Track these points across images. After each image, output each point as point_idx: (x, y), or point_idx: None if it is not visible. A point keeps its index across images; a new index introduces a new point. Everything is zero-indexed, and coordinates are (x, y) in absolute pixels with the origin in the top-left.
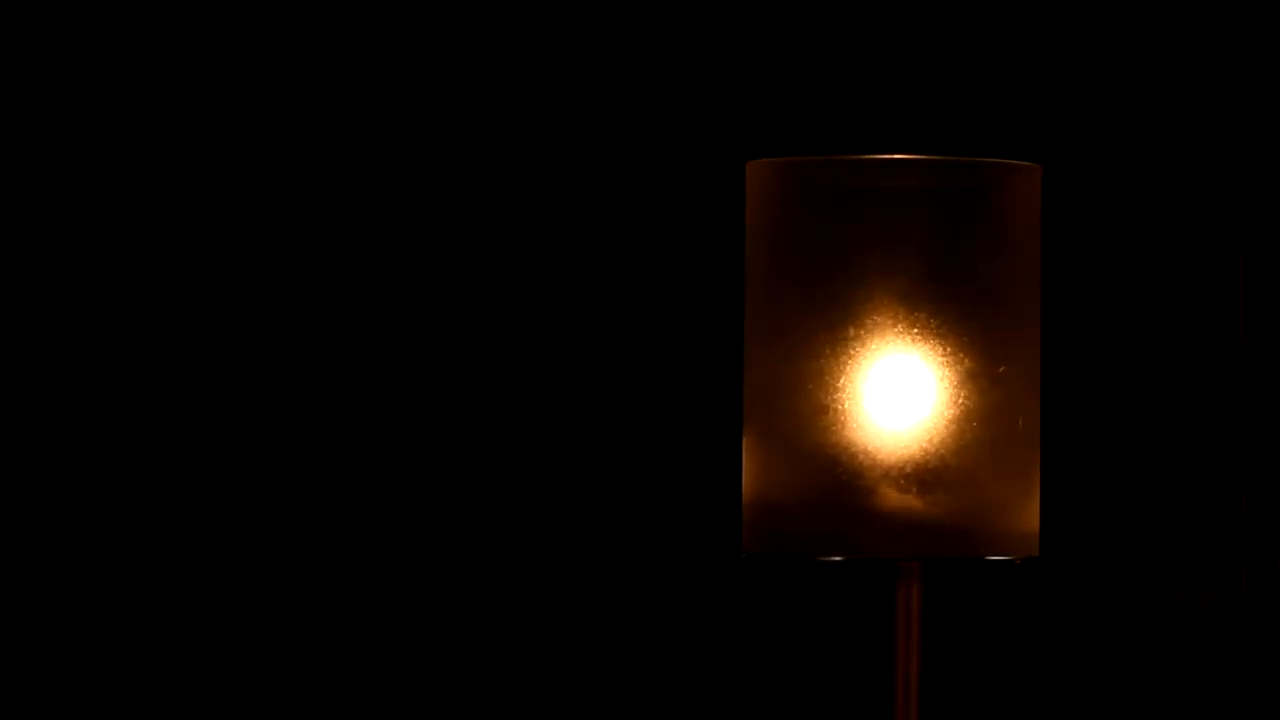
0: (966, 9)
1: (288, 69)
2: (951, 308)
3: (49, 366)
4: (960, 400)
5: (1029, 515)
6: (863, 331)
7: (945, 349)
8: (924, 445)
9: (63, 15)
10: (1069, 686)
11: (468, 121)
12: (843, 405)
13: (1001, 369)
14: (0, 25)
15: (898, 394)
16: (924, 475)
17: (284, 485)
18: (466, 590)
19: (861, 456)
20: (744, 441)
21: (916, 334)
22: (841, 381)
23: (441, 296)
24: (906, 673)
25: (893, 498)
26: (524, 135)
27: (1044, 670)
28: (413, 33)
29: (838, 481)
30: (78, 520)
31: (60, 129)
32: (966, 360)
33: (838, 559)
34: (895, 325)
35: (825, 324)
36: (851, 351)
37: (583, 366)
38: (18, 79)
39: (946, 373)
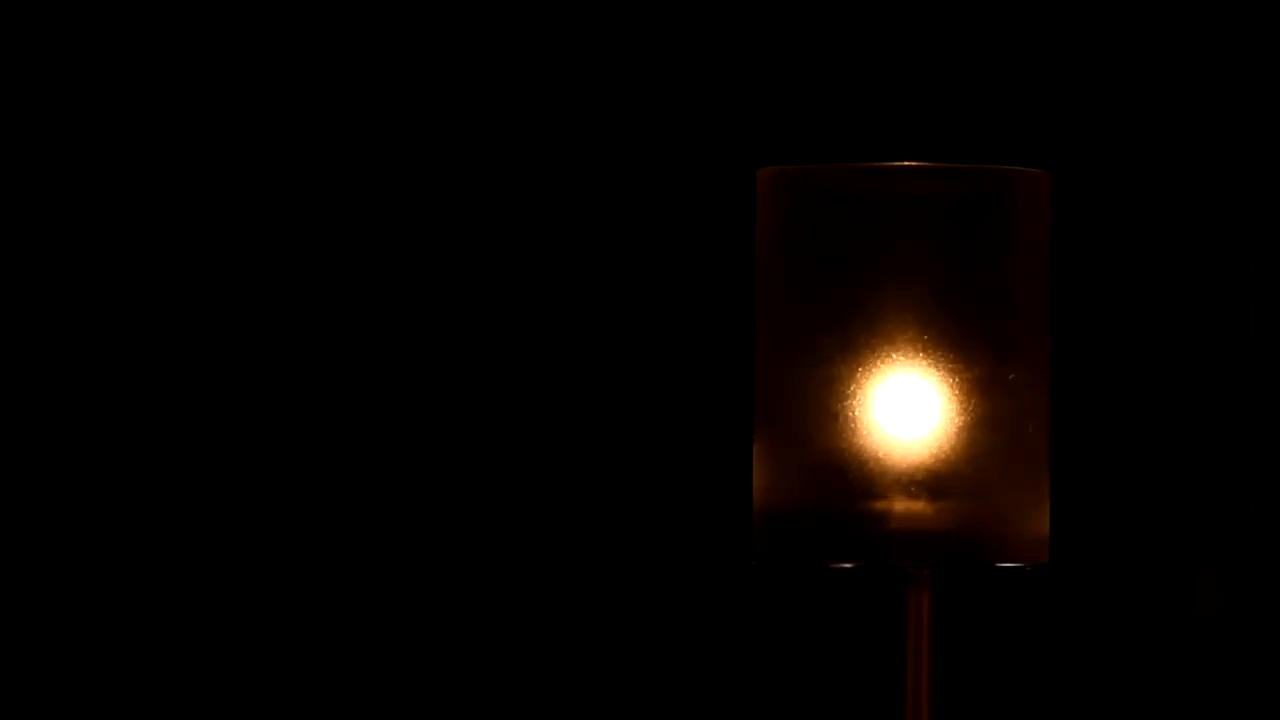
0: (975, 17)
1: (299, 77)
2: (961, 314)
3: (84, 374)
4: (970, 407)
5: (1039, 522)
6: (873, 339)
7: (955, 356)
8: (934, 452)
9: (63, 15)
10: (1080, 693)
11: (476, 130)
12: (853, 412)
13: (1011, 375)
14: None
15: (908, 401)
16: (934, 482)
17: (295, 499)
18: (479, 599)
19: (871, 464)
20: (754, 449)
21: (926, 341)
22: (851, 389)
23: (451, 305)
24: (917, 680)
25: (903, 505)
26: (533, 144)
27: (1055, 677)
28: (423, 46)
29: (848, 489)
30: (100, 521)
31: (61, 129)
32: (976, 367)
33: (848, 566)
34: (905, 332)
35: (835, 331)
36: (861, 359)
37: (593, 375)
38: (18, 79)
39: (956, 380)
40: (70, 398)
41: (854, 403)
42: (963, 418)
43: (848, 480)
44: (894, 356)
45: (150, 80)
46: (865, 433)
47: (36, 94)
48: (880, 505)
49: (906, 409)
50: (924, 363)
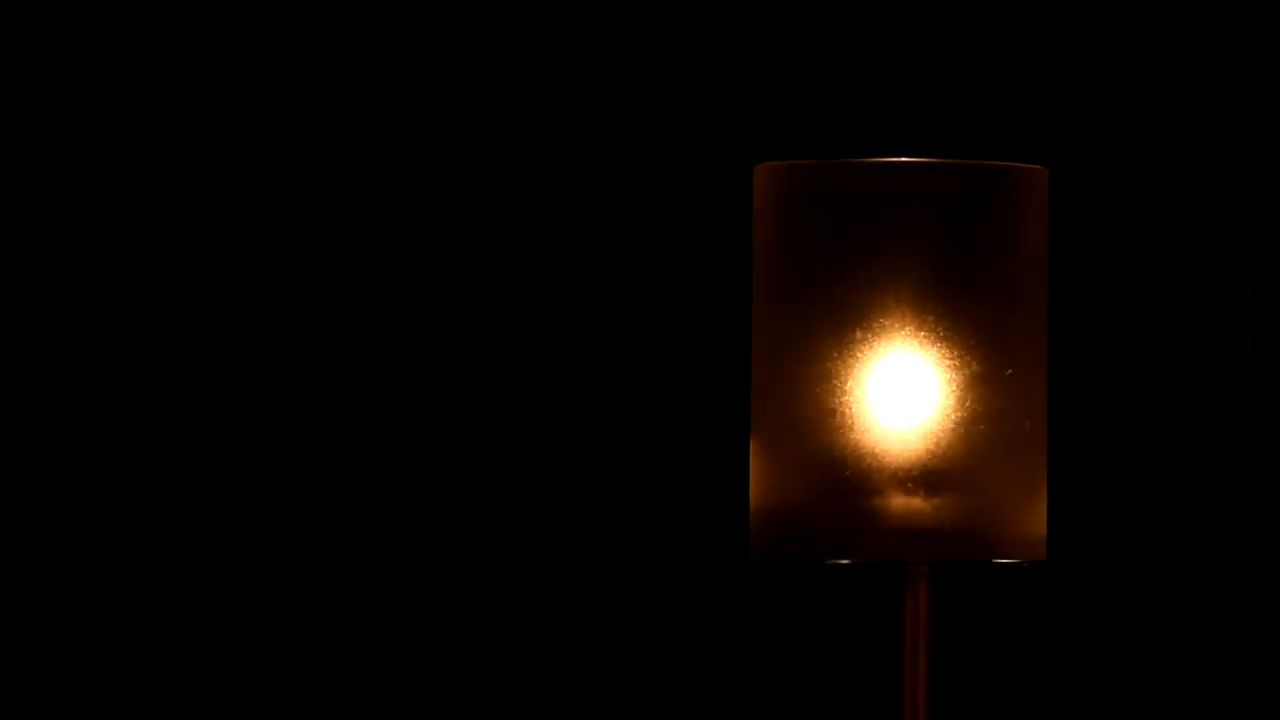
0: (972, 12)
1: (298, 73)
2: (959, 310)
3: (64, 369)
4: (967, 403)
5: (1036, 519)
6: (870, 334)
7: (952, 352)
8: (931, 448)
9: (63, 15)
10: (1076, 690)
11: (474, 127)
12: (850, 408)
13: (1009, 371)
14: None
15: (905, 397)
16: (931, 478)
17: (294, 494)
18: (475, 593)
19: (869, 459)
20: (751, 444)
21: (924, 337)
22: (849, 384)
23: (450, 303)
24: (914, 676)
25: (900, 501)
26: (529, 139)
27: (1051, 674)
28: (419, 43)
29: (845, 484)
30: (94, 521)
31: (60, 129)
32: (974, 363)
33: (845, 562)
34: (902, 328)
35: (832, 327)
36: (859, 354)
37: (590, 370)
38: (18, 79)
39: (954, 375)
40: (58, 394)
41: (851, 399)
42: (960, 413)
43: (845, 476)
44: (891, 352)
45: (144, 79)
46: (862, 428)
47: (36, 94)
48: (877, 501)
49: (904, 405)
50: (921, 358)
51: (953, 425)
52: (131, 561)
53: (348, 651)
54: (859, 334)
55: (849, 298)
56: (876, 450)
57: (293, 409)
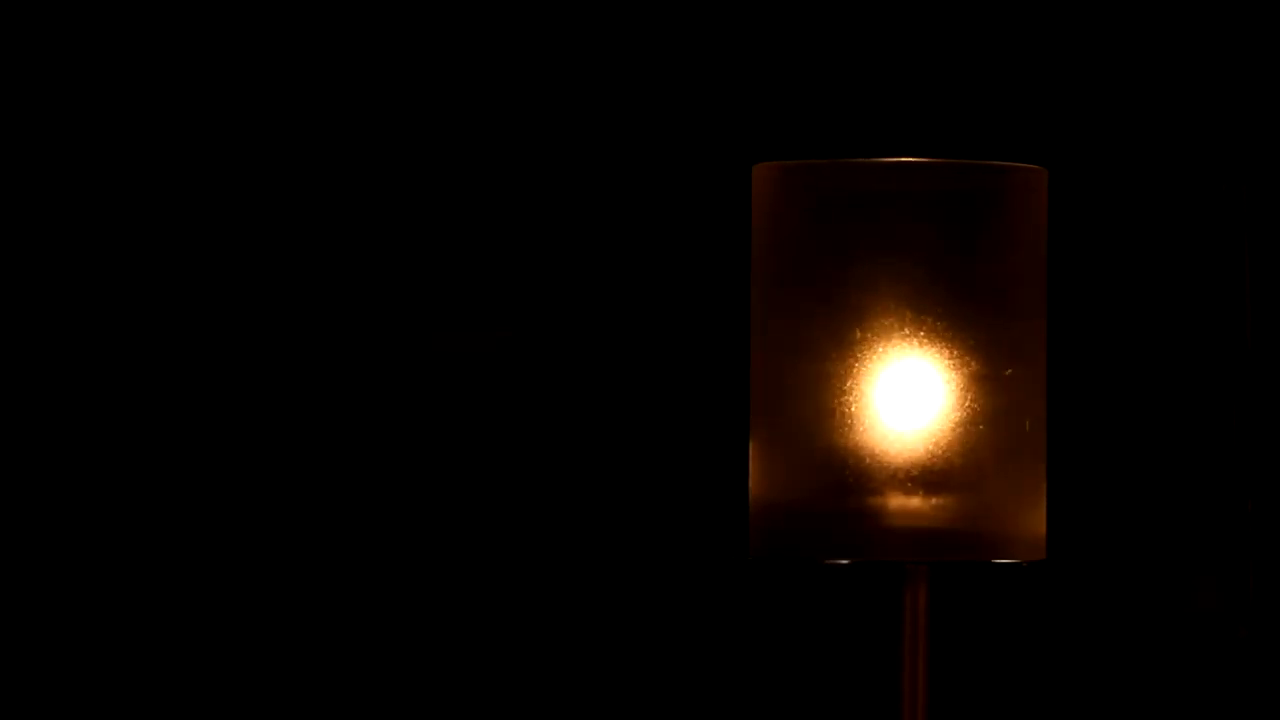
0: (971, 13)
1: (298, 74)
2: (958, 310)
3: (61, 370)
4: (967, 403)
5: (1036, 518)
6: (869, 334)
7: (952, 352)
8: (930, 448)
9: (63, 15)
10: (1076, 690)
11: (473, 127)
12: (849, 408)
13: (1008, 371)
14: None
15: (905, 397)
16: (931, 478)
17: (295, 492)
18: (475, 593)
19: (868, 459)
20: (751, 444)
21: (923, 337)
22: (848, 384)
23: (449, 303)
24: (914, 676)
25: (900, 500)
26: (529, 140)
27: (1051, 674)
28: (420, 40)
29: (844, 484)
30: (95, 520)
31: (60, 130)
32: (973, 363)
33: (845, 562)
34: (902, 328)
35: (832, 327)
36: (858, 354)
37: (589, 370)
38: (18, 79)
39: (953, 375)
40: (60, 394)
41: (850, 398)
42: (959, 413)
43: (844, 476)
44: (890, 352)
45: (144, 80)
46: (862, 428)
47: (37, 94)
48: (877, 501)
49: (903, 404)
50: (921, 358)
51: (952, 425)
52: (132, 560)
53: (348, 651)
54: (858, 334)
55: (848, 298)
56: (876, 450)
57: (294, 408)
